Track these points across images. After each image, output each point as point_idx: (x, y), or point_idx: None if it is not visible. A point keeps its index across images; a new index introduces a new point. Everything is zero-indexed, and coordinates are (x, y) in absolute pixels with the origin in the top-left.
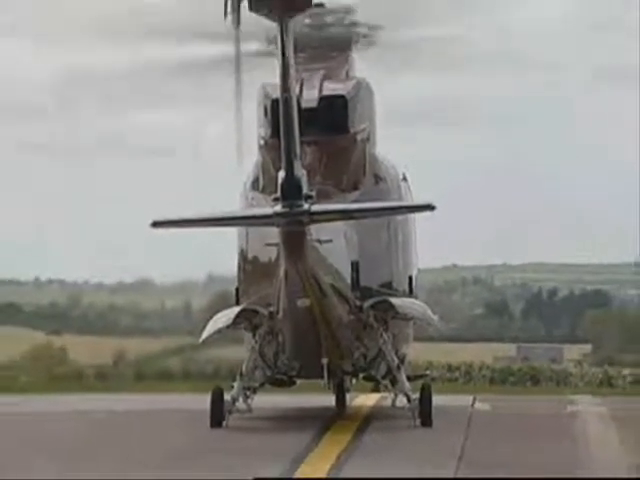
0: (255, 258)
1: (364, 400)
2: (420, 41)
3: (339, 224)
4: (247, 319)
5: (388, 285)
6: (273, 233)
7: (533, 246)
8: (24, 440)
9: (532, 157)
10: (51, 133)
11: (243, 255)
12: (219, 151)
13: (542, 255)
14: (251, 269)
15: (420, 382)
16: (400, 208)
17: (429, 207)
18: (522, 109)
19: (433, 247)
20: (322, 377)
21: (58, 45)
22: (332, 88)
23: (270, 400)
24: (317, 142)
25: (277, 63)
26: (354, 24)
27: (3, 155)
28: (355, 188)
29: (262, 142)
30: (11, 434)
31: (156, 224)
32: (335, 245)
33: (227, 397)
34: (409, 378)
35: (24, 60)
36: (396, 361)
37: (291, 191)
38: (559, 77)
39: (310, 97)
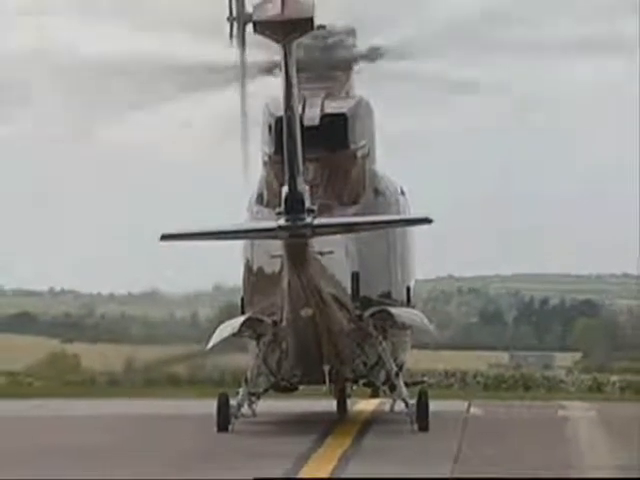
0: (260, 269)
1: (364, 405)
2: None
3: (340, 237)
4: (252, 328)
5: (387, 295)
6: (277, 245)
7: (526, 257)
8: (42, 441)
9: (525, 171)
10: (60, 146)
11: (248, 266)
12: (226, 166)
13: (534, 266)
14: (256, 280)
15: (417, 388)
16: (398, 221)
17: (426, 220)
18: (514, 124)
19: (430, 258)
20: (324, 383)
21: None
22: (333, 106)
23: (274, 405)
24: (319, 158)
25: (281, 82)
26: (354, 45)
27: (14, 170)
28: (355, 202)
29: (266, 158)
30: (28, 436)
31: (164, 237)
32: (336, 257)
33: (233, 402)
34: (407, 384)
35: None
36: (395, 368)
37: (294, 205)
38: (552, 94)
39: (312, 115)
